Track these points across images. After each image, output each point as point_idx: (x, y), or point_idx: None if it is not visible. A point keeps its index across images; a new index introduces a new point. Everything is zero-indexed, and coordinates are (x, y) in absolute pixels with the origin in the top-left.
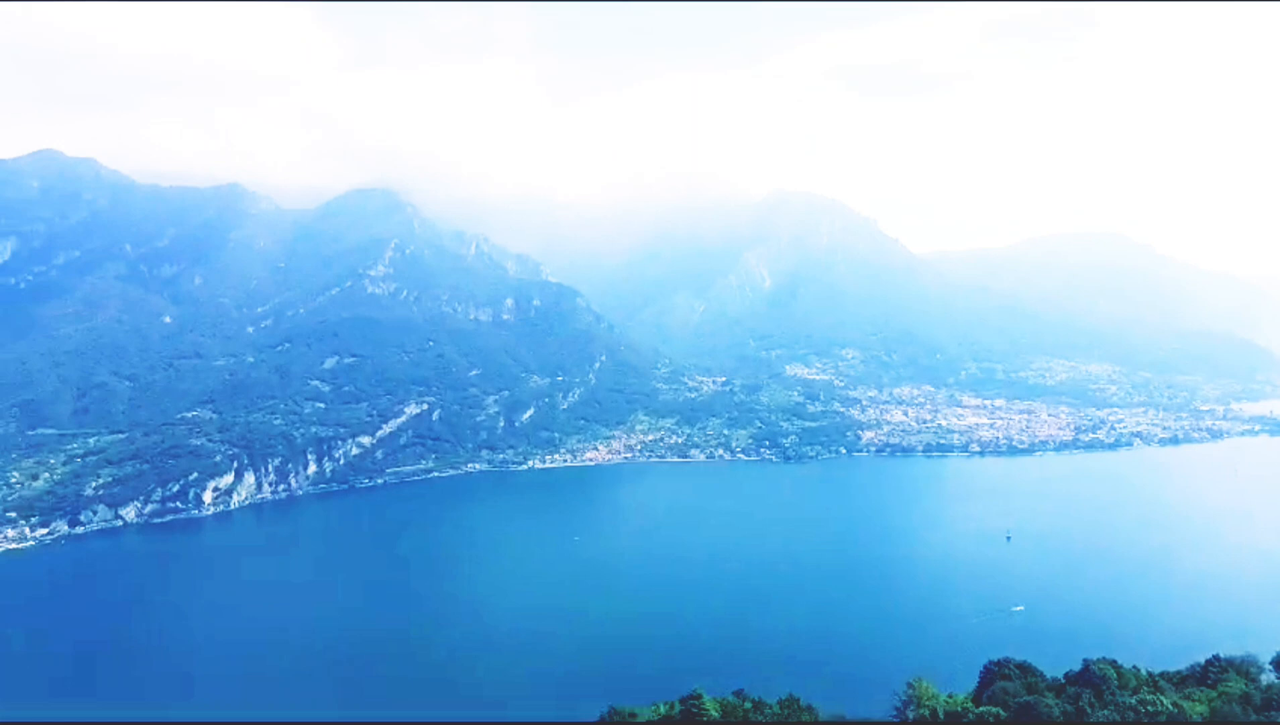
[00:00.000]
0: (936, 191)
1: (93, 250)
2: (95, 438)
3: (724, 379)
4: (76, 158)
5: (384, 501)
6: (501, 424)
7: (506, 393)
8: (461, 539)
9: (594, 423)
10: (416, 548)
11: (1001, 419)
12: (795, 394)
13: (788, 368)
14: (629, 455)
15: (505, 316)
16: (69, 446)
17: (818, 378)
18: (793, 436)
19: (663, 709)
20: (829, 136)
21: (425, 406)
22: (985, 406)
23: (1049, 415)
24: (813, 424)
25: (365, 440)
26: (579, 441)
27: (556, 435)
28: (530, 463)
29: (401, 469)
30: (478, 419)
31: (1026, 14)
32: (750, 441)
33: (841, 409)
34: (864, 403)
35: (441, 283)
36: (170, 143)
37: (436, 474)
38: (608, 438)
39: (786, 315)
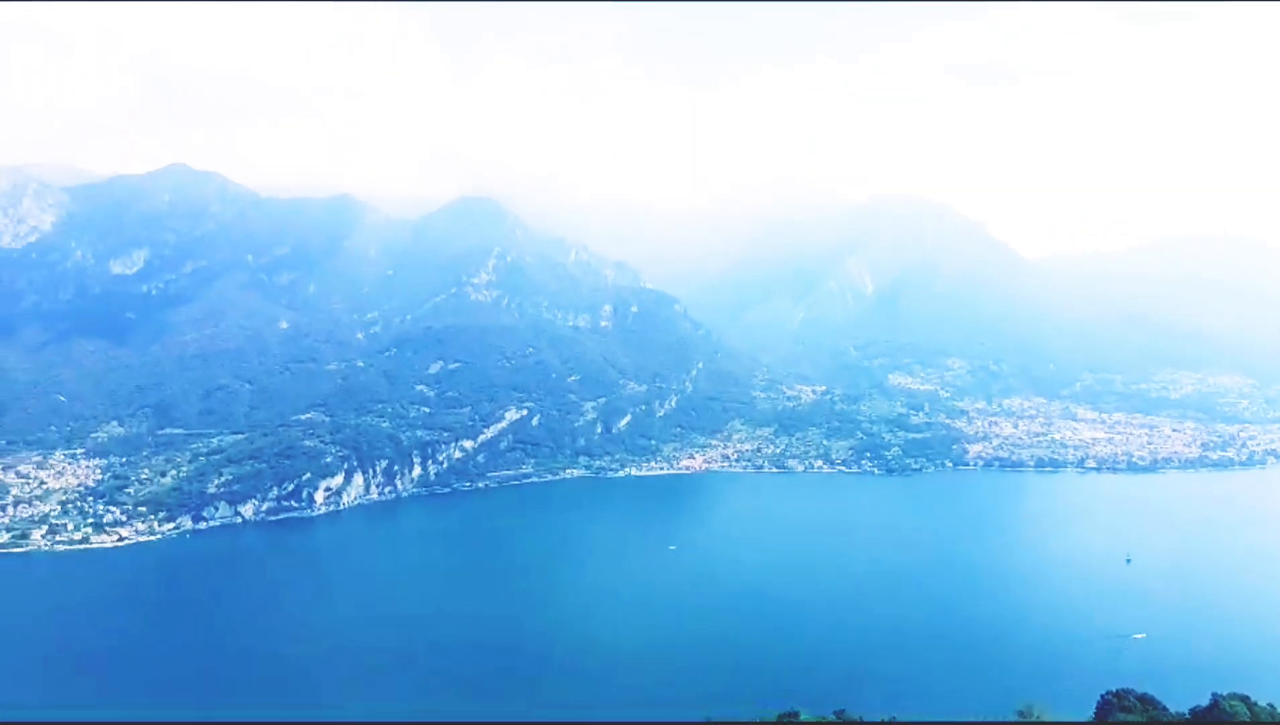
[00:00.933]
0: (1049, 194)
1: (217, 260)
2: (218, 438)
3: (823, 388)
4: (203, 172)
5: (485, 505)
6: (599, 430)
7: (604, 399)
8: (559, 545)
9: (690, 430)
10: (517, 551)
11: (1120, 433)
12: (898, 404)
13: (890, 377)
14: (725, 464)
15: (603, 323)
16: (194, 445)
17: (922, 388)
18: (895, 448)
19: (757, 723)
20: (933, 138)
21: (525, 412)
22: (1102, 420)
23: (1173, 430)
24: (917, 436)
25: (467, 444)
26: (675, 449)
27: (653, 442)
28: (627, 470)
29: (501, 473)
30: (576, 425)
31: (1138, 4)
32: (850, 453)
33: (947, 421)
34: (971, 414)
35: (542, 290)
36: (288, 156)
37: (535, 479)
38: (704, 446)
39: (889, 323)
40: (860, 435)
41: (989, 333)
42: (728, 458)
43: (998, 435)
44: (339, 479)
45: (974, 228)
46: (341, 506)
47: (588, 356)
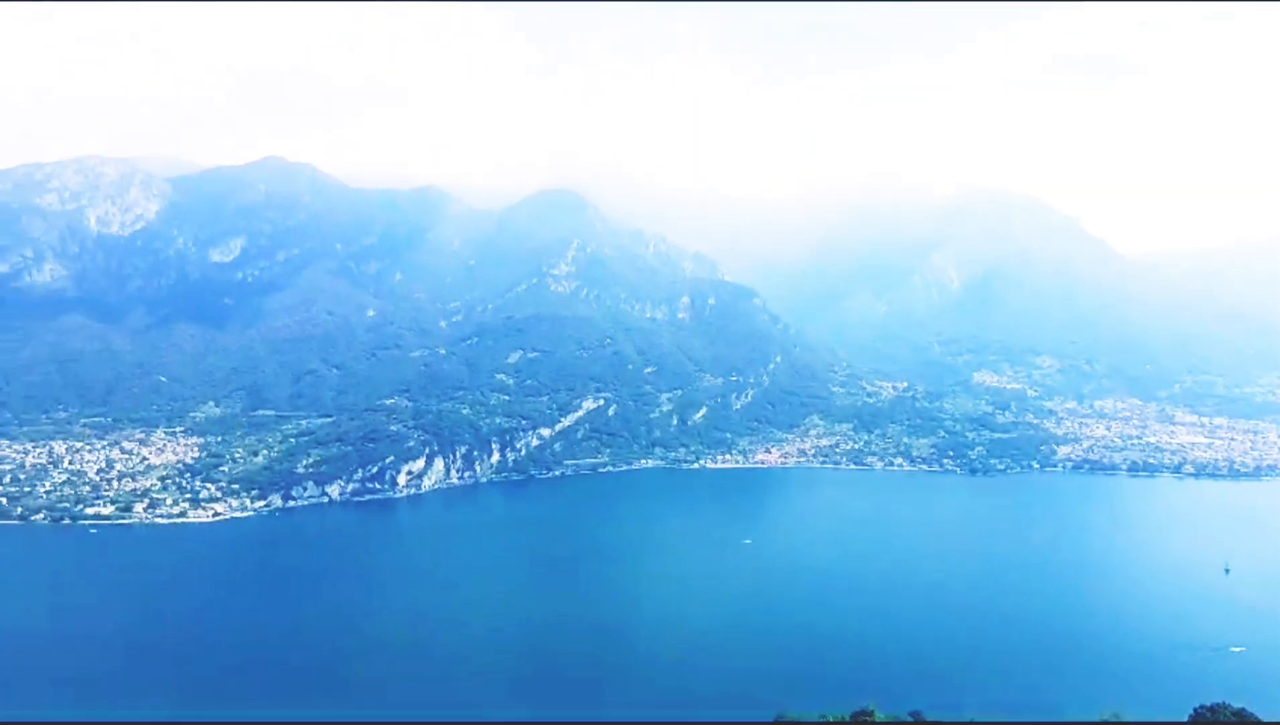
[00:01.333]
0: (1148, 191)
1: (308, 249)
2: (307, 420)
3: (905, 384)
4: (297, 164)
5: (561, 493)
6: (675, 422)
7: (680, 391)
8: (635, 534)
9: (767, 424)
10: (592, 539)
11: (1222, 438)
12: (983, 403)
13: (975, 375)
14: (802, 459)
15: (681, 315)
16: (284, 427)
17: (1009, 386)
18: (979, 448)
19: (831, 719)
20: (1025, 132)
21: (601, 402)
22: (1202, 424)
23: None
24: (1002, 436)
25: (545, 432)
26: (751, 443)
27: (728, 435)
28: (702, 462)
29: (577, 462)
30: (651, 416)
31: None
32: (932, 451)
33: (1035, 420)
34: (1060, 415)
35: (620, 281)
36: (377, 148)
37: (610, 468)
38: (780, 440)
39: (976, 319)
40: (942, 433)
41: (1082, 330)
42: (804, 453)
43: (1089, 437)
44: (420, 463)
45: (1067, 223)
46: (422, 490)
47: (664, 348)
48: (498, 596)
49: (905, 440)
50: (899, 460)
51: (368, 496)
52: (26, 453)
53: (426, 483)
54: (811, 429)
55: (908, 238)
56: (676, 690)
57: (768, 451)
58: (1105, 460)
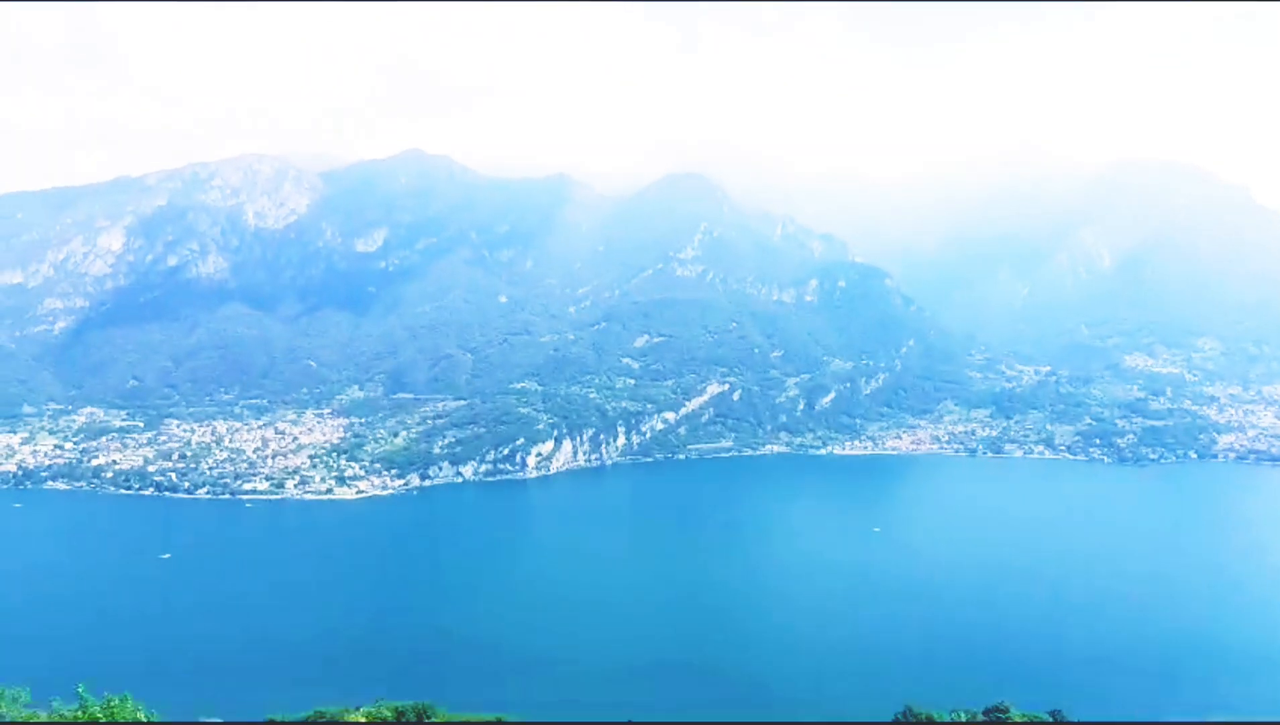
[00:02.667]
0: None
1: (446, 237)
2: (443, 403)
3: (1048, 368)
4: (435, 156)
5: (686, 476)
6: (801, 406)
7: (807, 375)
8: (759, 519)
9: (898, 410)
10: (720, 523)
11: None
12: (1134, 388)
13: (1126, 358)
14: (935, 447)
15: (809, 298)
16: (422, 409)
17: (1164, 371)
18: (1130, 436)
19: (963, 716)
20: (1186, 94)
21: (727, 386)
22: None
23: None
24: (1156, 423)
25: (669, 416)
26: (881, 429)
27: (858, 421)
28: (829, 448)
29: (702, 446)
30: (777, 401)
31: None
32: (1077, 439)
33: (1193, 407)
34: (1223, 401)
35: (747, 264)
36: (511, 138)
37: (735, 453)
38: (912, 427)
39: (1128, 299)
40: (1089, 420)
41: (1249, 311)
42: (938, 439)
43: (1254, 425)
44: (549, 445)
45: (1235, 193)
46: (551, 471)
47: (792, 332)
48: (628, 578)
49: (1048, 427)
50: (1040, 448)
51: (499, 477)
52: (193, 432)
53: (555, 464)
54: (946, 415)
55: (1053, 214)
56: (802, 679)
57: (899, 438)
58: (1273, 450)
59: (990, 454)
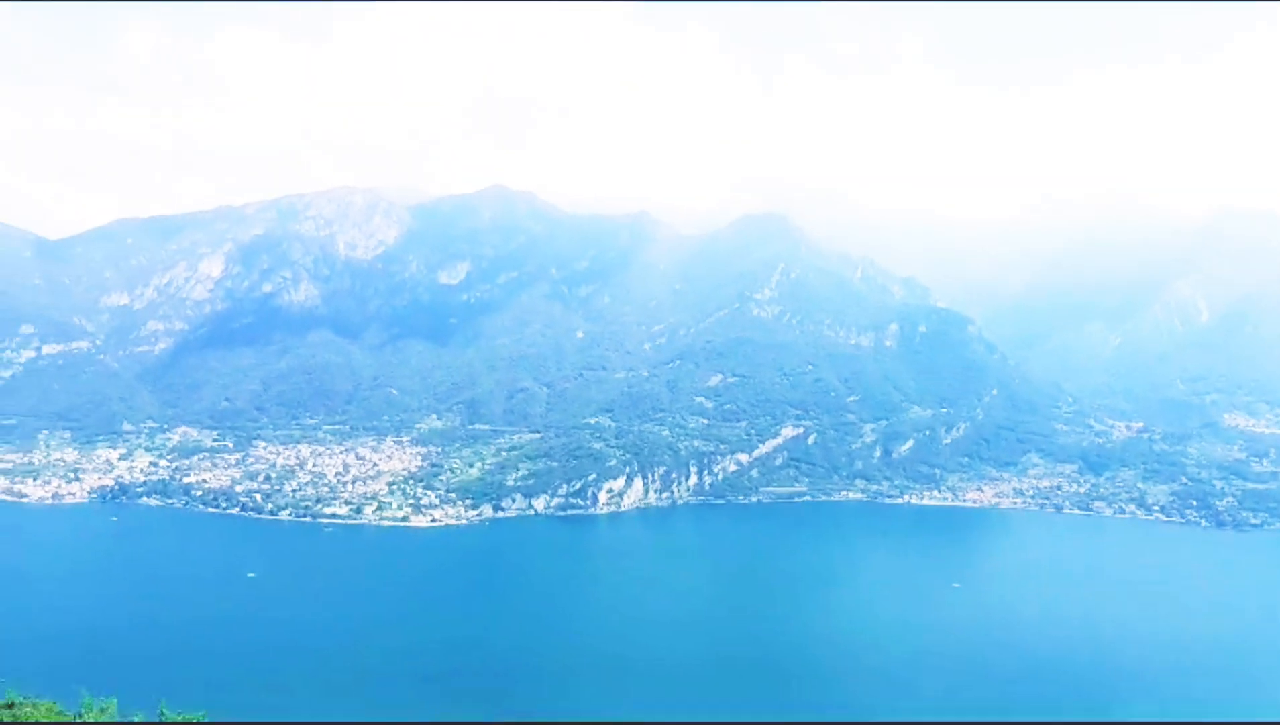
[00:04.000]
0: None
1: (526, 272)
2: (518, 435)
3: (1140, 424)
4: (518, 191)
5: (759, 519)
6: (878, 454)
7: (884, 422)
8: (833, 567)
9: (979, 461)
10: (793, 568)
11: None
12: (1235, 448)
13: (1226, 416)
14: (1018, 501)
15: (887, 342)
16: (498, 441)
17: (1267, 431)
18: (1229, 498)
19: None
20: None
21: (801, 430)
22: None
23: None
24: (1258, 486)
25: (742, 458)
26: (961, 480)
27: (937, 471)
28: (906, 497)
29: (775, 489)
30: (853, 447)
31: None
32: (1171, 499)
33: None
34: None
35: (824, 306)
36: (593, 175)
37: (809, 498)
38: (994, 479)
39: (1227, 354)
40: (1184, 480)
41: None
42: (1021, 493)
43: None
44: (620, 482)
45: None
46: (622, 508)
47: (869, 376)
48: (695, 623)
49: (1140, 486)
50: (1132, 507)
51: (570, 511)
52: (278, 454)
53: (626, 501)
54: (1030, 468)
55: (1149, 263)
56: None
57: (980, 490)
58: None
59: (1077, 511)
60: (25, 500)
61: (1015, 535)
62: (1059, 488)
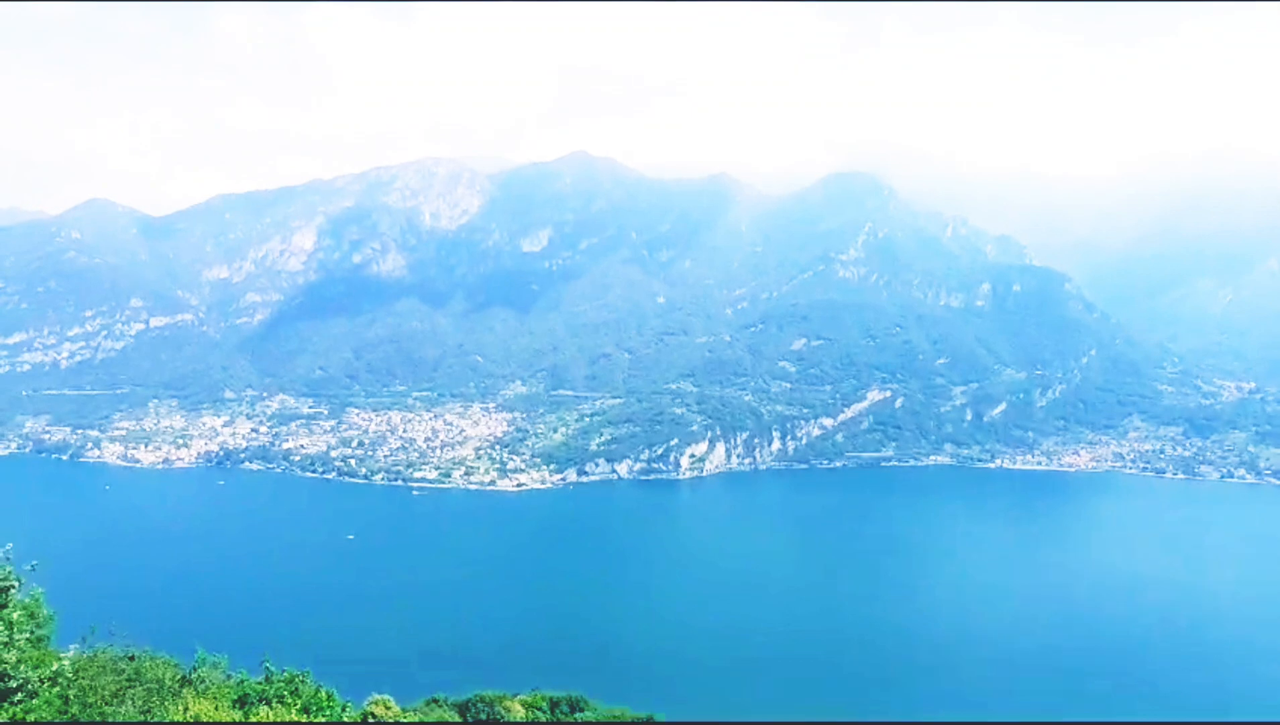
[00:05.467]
0: None
1: (606, 238)
2: (600, 400)
3: (1252, 385)
4: (599, 157)
5: (843, 485)
6: (968, 417)
7: (976, 384)
8: (923, 534)
9: (1076, 424)
10: (879, 535)
11: None
12: None
13: None
14: (1117, 464)
15: (979, 303)
16: (580, 406)
17: None
18: None
19: None
20: None
21: (888, 393)
22: None
23: None
24: None
25: (827, 422)
26: (1057, 443)
27: (1031, 434)
28: (998, 462)
29: (860, 454)
30: (942, 410)
31: None
32: None
33: None
34: None
35: (913, 267)
36: (673, 138)
37: (896, 463)
38: (1092, 442)
39: None
40: None
41: None
42: (1121, 457)
43: None
44: (703, 447)
45: None
46: (704, 473)
47: (959, 338)
48: (780, 588)
49: (1251, 449)
50: (1241, 471)
51: (653, 476)
52: (370, 421)
53: (708, 466)
54: (1131, 431)
55: (1262, 217)
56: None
57: (1076, 454)
58: None
59: (1181, 475)
60: (139, 465)
61: (1113, 500)
62: (1161, 451)
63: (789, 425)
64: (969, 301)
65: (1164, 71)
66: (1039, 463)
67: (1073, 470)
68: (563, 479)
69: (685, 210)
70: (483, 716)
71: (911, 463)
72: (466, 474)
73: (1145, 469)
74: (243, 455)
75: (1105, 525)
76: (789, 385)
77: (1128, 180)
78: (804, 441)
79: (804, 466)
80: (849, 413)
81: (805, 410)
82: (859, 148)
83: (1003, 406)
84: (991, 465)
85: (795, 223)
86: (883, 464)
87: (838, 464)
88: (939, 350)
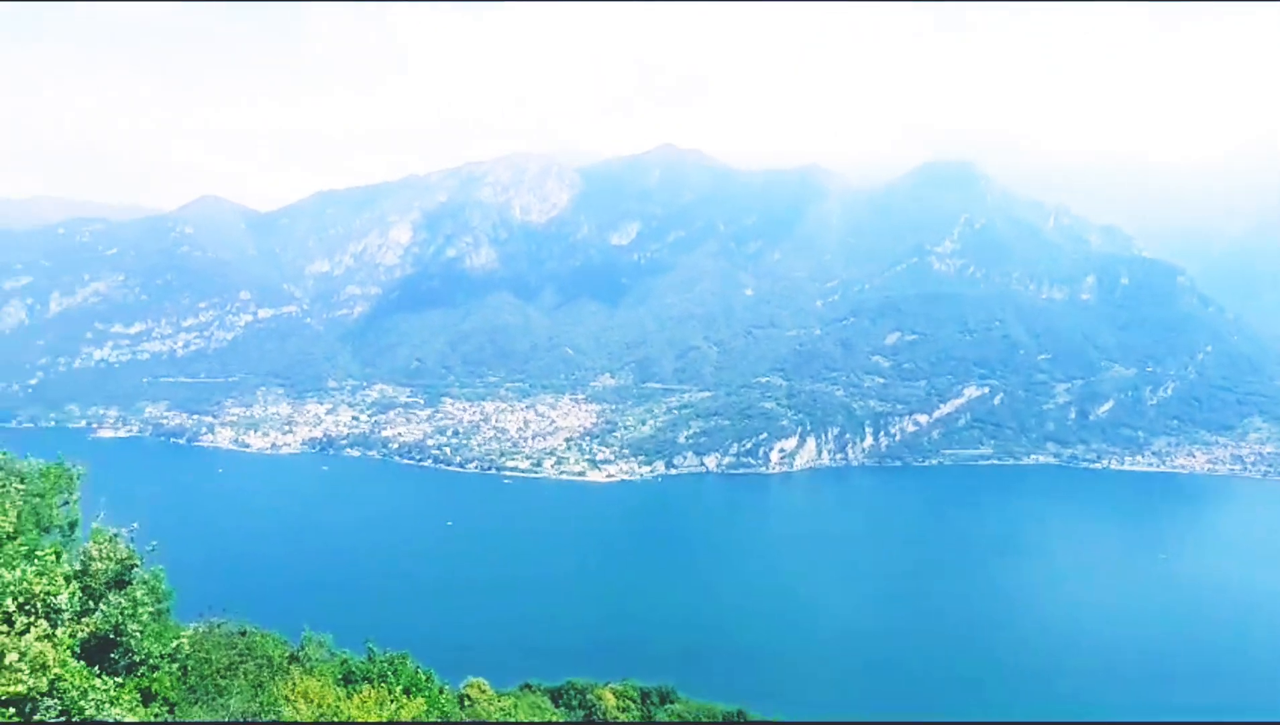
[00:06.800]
0: None
1: (694, 230)
2: (688, 394)
3: None
4: (686, 149)
5: (939, 484)
6: (1072, 415)
7: (1080, 381)
8: (1022, 535)
9: (1190, 424)
10: (980, 537)
11: None
12: None
13: None
14: (1236, 467)
15: (1084, 296)
16: (669, 399)
17: None
18: None
19: None
20: None
21: (986, 389)
22: None
23: None
24: None
25: (921, 418)
26: (1170, 444)
27: (1140, 434)
28: (1104, 462)
29: (956, 452)
30: (1044, 407)
31: None
32: None
33: None
34: None
35: (1012, 258)
36: (761, 127)
37: (995, 462)
38: (1208, 443)
39: None
40: None
41: None
42: (1240, 460)
43: None
44: (793, 442)
45: None
46: (793, 468)
47: (1063, 332)
48: (875, 587)
49: None
50: None
51: (742, 470)
52: (464, 411)
53: (798, 461)
54: (1251, 432)
55: None
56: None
57: (1191, 455)
58: None
59: None
60: (248, 449)
61: (1233, 505)
62: None
63: (882, 421)
64: (1073, 294)
65: (1276, 49)
66: (1150, 464)
67: (1186, 472)
68: (651, 471)
69: (774, 202)
70: (574, 704)
71: (1011, 462)
72: (557, 464)
73: (1267, 472)
74: (344, 442)
75: (1224, 533)
76: (882, 380)
77: (1241, 165)
78: (897, 438)
79: (897, 463)
80: (945, 409)
81: (899, 406)
82: (953, 136)
83: (1110, 404)
84: (1097, 465)
85: (888, 213)
86: (980, 463)
87: (933, 462)
88: (1041, 345)
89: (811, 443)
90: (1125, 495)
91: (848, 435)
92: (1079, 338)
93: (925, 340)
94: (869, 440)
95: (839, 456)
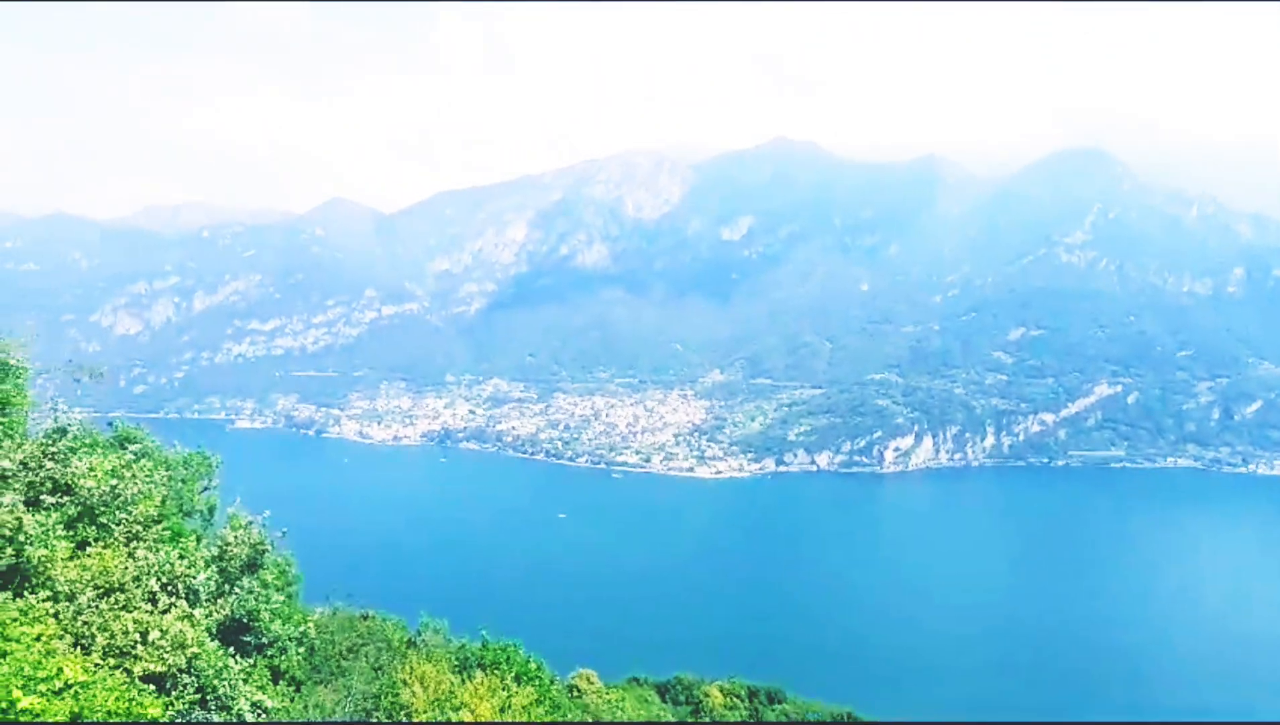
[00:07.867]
0: None
1: (807, 224)
2: (799, 390)
3: None
4: (799, 142)
5: (1068, 487)
6: (1215, 416)
7: (1225, 379)
8: (1158, 545)
9: None
10: (1105, 544)
11: None
12: None
13: None
14: None
15: (1230, 289)
16: (779, 396)
17: None
18: None
19: None
20: None
21: (1119, 388)
22: None
23: None
24: None
25: (1047, 418)
26: None
27: None
28: (1252, 466)
29: (1086, 453)
30: (1184, 407)
31: None
32: None
33: None
34: None
35: (1149, 250)
36: (877, 118)
37: (1128, 464)
38: None
39: None
40: None
41: None
42: None
43: None
44: (909, 440)
45: None
46: (909, 467)
47: (1205, 328)
48: (994, 594)
49: None
50: None
51: (854, 468)
52: (576, 405)
53: (914, 461)
54: None
55: None
56: None
57: None
58: None
59: None
60: (371, 441)
61: None
62: None
63: (1004, 420)
64: (1218, 287)
65: None
66: None
67: None
68: (761, 468)
69: (890, 194)
70: (681, 699)
71: (1146, 464)
72: (666, 459)
73: None
74: (461, 434)
75: None
76: (1005, 377)
77: None
78: (1021, 437)
79: (1020, 464)
80: (1073, 408)
81: (1023, 404)
82: (1084, 122)
83: (1259, 404)
84: (1244, 469)
85: (1012, 204)
86: (1112, 465)
87: (1059, 463)
88: (1181, 341)
89: (928, 441)
90: (1273, 501)
91: (967, 434)
92: (1224, 333)
93: (1053, 336)
94: (990, 439)
95: (958, 456)
